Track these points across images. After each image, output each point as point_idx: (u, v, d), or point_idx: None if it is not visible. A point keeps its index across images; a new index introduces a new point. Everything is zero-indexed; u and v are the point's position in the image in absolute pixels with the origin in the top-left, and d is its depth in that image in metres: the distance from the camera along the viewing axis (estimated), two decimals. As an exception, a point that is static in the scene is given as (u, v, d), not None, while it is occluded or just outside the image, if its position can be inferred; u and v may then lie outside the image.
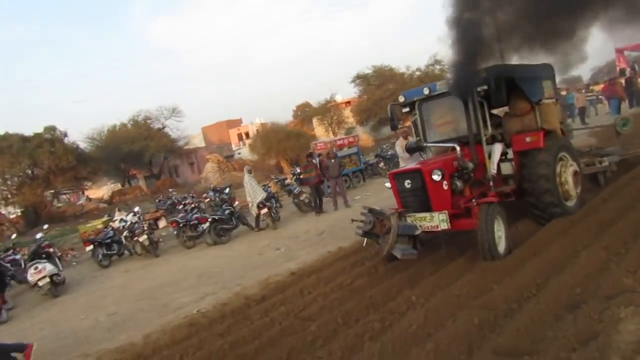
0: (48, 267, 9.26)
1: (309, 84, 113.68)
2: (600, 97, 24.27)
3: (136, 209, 14.68)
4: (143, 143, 36.80)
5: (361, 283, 5.64)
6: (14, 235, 17.15)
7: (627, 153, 8.95)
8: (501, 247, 5.51)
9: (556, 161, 6.73)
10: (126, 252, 12.19)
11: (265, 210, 11.24)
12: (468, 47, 5.90)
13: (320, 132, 38.57)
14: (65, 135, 30.99)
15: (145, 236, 11.18)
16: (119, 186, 41.49)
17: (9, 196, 28.79)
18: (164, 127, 39.42)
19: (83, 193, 39.73)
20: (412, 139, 8.17)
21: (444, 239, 6.48)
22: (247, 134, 62.13)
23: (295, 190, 13.25)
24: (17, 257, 11.68)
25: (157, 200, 22.22)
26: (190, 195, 20.42)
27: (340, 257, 7.12)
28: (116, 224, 13.24)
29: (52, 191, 31.27)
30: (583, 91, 22.49)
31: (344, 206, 12.14)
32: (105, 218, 18.14)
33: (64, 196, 38.26)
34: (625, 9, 6.35)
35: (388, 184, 6.41)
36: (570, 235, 5.69)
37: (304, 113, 52.92)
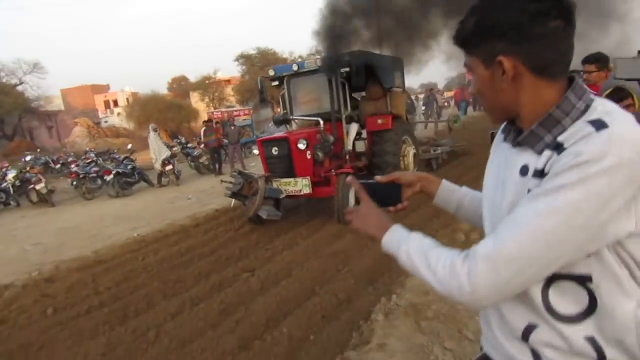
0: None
1: (185, 57, 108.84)
2: (448, 101, 29.26)
3: (28, 157, 14.00)
4: (-6, 99, 32.60)
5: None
6: None
7: (455, 145, 10.98)
8: None
9: (400, 142, 7.71)
10: (12, 202, 11.82)
11: (169, 167, 12.00)
12: (336, 31, 6.70)
13: (201, 107, 38.40)
14: None
15: (42, 184, 11.11)
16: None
17: None
18: (21, 83, 35.30)
19: None
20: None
21: (305, 207, 7.46)
22: (115, 102, 58.08)
23: (195, 153, 14.10)
24: None
25: (24, 159, 20.63)
26: (68, 154, 19.52)
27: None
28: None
29: None
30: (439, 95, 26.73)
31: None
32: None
33: None
34: None
35: (256, 151, 7.09)
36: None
37: (181, 87, 51.63)
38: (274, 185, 6.32)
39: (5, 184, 11.69)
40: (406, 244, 1.00)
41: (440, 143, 10.77)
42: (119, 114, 50.67)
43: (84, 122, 34.08)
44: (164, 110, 29.58)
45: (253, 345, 3.27)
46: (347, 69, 6.77)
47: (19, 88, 35.84)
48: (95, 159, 17.50)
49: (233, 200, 6.82)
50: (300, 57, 38.32)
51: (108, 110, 55.85)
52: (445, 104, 29.01)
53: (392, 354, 2.67)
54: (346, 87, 7.27)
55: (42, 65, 36.13)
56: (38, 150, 24.25)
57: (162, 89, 52.20)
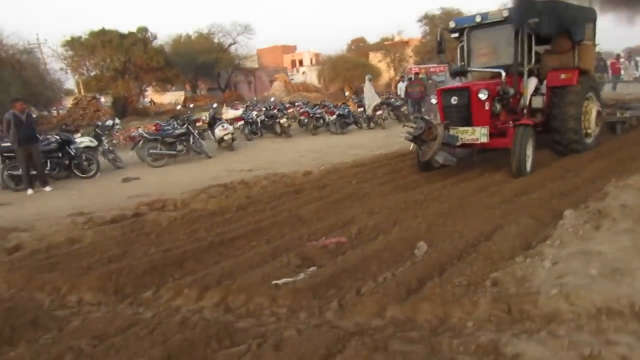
0: (230, 127, 12.54)
1: (365, 19, 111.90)
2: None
3: (272, 99, 17.78)
4: (216, 55, 39.29)
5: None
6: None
7: None
8: (529, 165, 6.36)
9: (584, 100, 7.46)
10: (259, 133, 15.35)
11: (380, 112, 14.23)
12: None
13: (382, 67, 40.48)
14: (155, 37, 34.06)
15: (285, 119, 14.34)
16: (181, 94, 44.36)
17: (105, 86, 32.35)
18: (234, 43, 41.61)
19: (144, 97, 42.74)
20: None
21: (476, 158, 7.84)
22: (300, 62, 63.84)
23: (396, 103, 16.15)
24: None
25: (246, 106, 25.36)
26: (282, 103, 23.43)
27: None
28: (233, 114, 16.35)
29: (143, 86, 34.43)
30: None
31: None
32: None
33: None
34: None
35: (434, 100, 7.42)
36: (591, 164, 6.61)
37: (359, 47, 54.36)
38: (451, 132, 6.56)
39: (255, 119, 15.27)
40: None
41: (630, 106, 9.91)
42: (304, 72, 55.81)
43: (281, 77, 39.07)
44: (351, 69, 32.40)
45: (513, 201, 5.00)
46: (537, 20, 6.56)
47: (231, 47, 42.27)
48: (302, 105, 20.86)
49: (412, 144, 7.10)
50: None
51: (294, 68, 61.58)
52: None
53: (624, 203, 4.06)
54: (532, 39, 7.04)
55: (251, 27, 41.93)
56: (237, 102, 29.10)
57: (342, 50, 55.75)
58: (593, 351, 2.13)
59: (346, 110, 14.67)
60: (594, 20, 8.06)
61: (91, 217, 5.86)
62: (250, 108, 19.42)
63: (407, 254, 3.87)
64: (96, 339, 2.76)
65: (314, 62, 63.07)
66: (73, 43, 31.30)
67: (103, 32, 31.90)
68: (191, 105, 22.28)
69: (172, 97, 44.18)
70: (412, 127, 6.79)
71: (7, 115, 8.15)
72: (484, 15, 7.28)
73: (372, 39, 55.43)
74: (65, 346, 2.68)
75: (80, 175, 9.41)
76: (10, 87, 19.01)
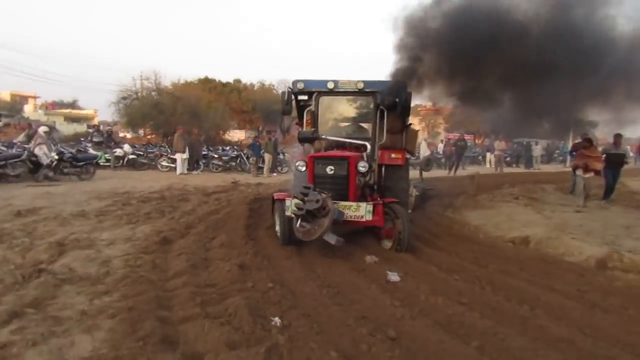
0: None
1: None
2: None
3: None
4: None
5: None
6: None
7: (426, 187, 11.34)
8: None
9: (408, 177, 7.75)
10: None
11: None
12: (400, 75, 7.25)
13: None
14: (251, 85, 43.48)
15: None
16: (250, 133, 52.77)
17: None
18: (301, 93, 50.33)
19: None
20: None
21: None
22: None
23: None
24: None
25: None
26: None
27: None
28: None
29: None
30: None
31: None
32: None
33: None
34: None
35: (302, 167, 6.16)
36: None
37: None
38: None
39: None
40: None
41: (415, 184, 10.43)
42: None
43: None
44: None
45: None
46: (397, 99, 6.56)
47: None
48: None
49: (299, 221, 5.42)
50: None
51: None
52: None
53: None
54: (385, 116, 6.81)
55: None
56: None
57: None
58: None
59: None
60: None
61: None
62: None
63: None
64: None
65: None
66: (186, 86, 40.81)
67: (208, 80, 41.53)
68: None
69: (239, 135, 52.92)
70: (302, 199, 5.38)
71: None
72: (336, 83, 6.90)
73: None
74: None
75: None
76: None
